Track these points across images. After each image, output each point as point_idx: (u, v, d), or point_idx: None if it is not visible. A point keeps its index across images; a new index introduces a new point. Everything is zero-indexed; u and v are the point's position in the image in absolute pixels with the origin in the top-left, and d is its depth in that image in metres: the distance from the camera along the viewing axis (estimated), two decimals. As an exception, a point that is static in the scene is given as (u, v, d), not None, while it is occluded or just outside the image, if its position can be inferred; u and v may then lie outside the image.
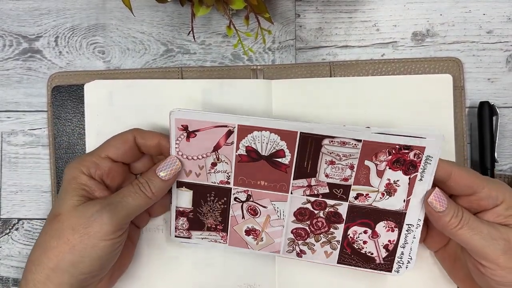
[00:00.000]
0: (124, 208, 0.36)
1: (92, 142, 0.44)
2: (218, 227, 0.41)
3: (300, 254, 0.41)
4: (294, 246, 0.41)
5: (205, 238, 0.42)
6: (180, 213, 0.41)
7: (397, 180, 0.38)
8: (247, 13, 0.39)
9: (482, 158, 0.43)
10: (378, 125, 0.43)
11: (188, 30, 0.46)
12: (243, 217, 0.41)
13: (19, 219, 0.46)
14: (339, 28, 0.46)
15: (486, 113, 0.43)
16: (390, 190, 0.38)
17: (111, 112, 0.44)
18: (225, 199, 0.40)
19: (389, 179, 0.38)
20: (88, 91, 0.44)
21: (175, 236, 0.42)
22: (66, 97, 0.45)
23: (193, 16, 0.40)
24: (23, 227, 0.46)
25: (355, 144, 0.37)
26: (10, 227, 0.46)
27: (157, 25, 0.46)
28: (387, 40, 0.46)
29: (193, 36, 0.44)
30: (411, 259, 0.40)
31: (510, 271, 0.35)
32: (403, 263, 0.40)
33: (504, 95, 0.45)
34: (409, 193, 0.38)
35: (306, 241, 0.41)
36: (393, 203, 0.39)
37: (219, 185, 0.40)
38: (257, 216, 0.41)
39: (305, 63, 0.45)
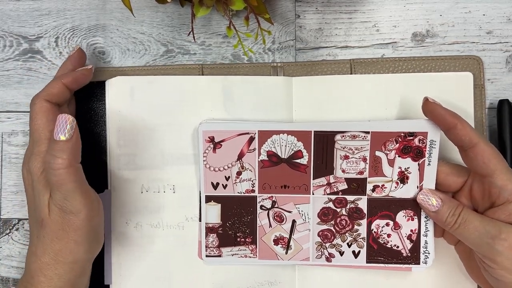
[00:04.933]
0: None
1: (113, 138, 0.44)
2: (247, 239, 0.43)
3: (329, 258, 0.43)
4: (322, 250, 0.43)
5: (235, 254, 0.43)
6: (210, 230, 0.43)
7: (408, 167, 0.41)
8: (247, 14, 0.40)
9: (503, 156, 0.43)
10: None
11: (188, 30, 0.46)
12: (270, 225, 0.43)
13: (19, 220, 0.46)
14: (339, 28, 0.46)
15: (505, 111, 0.43)
16: (403, 178, 0.41)
17: (132, 108, 0.44)
18: (251, 208, 0.43)
19: (400, 167, 0.41)
20: (110, 87, 0.44)
21: (206, 256, 0.43)
22: (87, 94, 0.45)
23: (193, 16, 0.40)
24: (23, 227, 0.46)
25: (364, 136, 0.41)
26: (11, 228, 0.46)
27: (157, 25, 0.46)
28: (387, 40, 0.46)
29: (193, 37, 0.44)
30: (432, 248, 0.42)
31: (509, 272, 0.35)
32: (429, 253, 0.42)
33: (504, 95, 0.45)
34: (421, 179, 0.41)
35: (333, 242, 0.42)
36: (408, 191, 0.41)
37: (245, 194, 0.43)
38: (283, 222, 0.43)
39: (326, 61, 0.45)
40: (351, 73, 0.45)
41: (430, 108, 0.38)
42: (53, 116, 0.39)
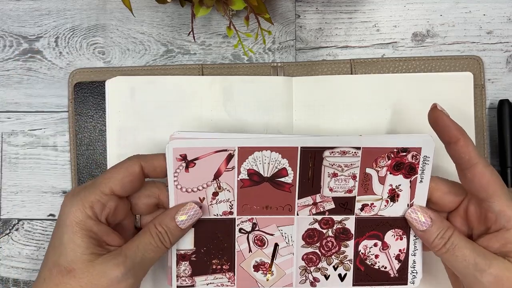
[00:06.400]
0: (148, 265, 0.36)
1: (113, 138, 0.44)
2: (224, 267, 0.39)
3: (313, 283, 0.40)
4: (306, 274, 0.40)
5: (210, 283, 0.39)
6: (181, 257, 0.39)
7: (399, 185, 0.38)
8: (247, 14, 0.39)
9: (503, 157, 0.43)
10: (398, 122, 0.43)
11: (188, 30, 0.46)
12: (250, 250, 0.39)
13: (19, 220, 0.46)
14: (339, 28, 0.46)
15: (506, 111, 0.43)
16: (393, 195, 0.38)
17: (132, 108, 0.44)
18: (229, 232, 0.39)
19: (391, 185, 0.38)
20: (110, 87, 0.44)
21: (177, 287, 0.39)
22: (88, 94, 0.45)
23: (193, 16, 0.40)
24: (23, 227, 0.46)
25: (355, 152, 0.37)
26: (10, 228, 0.46)
27: (157, 25, 0.46)
28: (387, 40, 0.46)
29: (193, 37, 0.44)
30: (420, 267, 0.40)
31: None
32: (417, 273, 0.40)
33: (504, 95, 0.45)
34: (412, 196, 0.38)
35: (318, 266, 0.40)
36: (398, 209, 0.39)
37: (222, 217, 0.38)
38: (264, 247, 0.39)
39: (326, 61, 0.45)
40: (351, 73, 0.45)
41: (435, 115, 0.35)
42: (135, 180, 0.36)
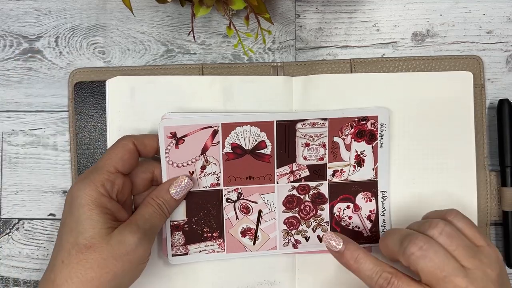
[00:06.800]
0: (155, 232, 0.39)
1: (113, 138, 0.43)
2: (214, 234, 0.43)
3: (295, 245, 0.43)
4: (288, 237, 0.43)
5: (202, 250, 0.43)
6: (175, 228, 0.42)
7: (363, 151, 0.43)
8: (247, 14, 0.40)
9: (502, 156, 0.43)
10: (397, 121, 0.44)
11: (188, 30, 0.46)
12: (236, 217, 0.43)
13: (20, 219, 0.46)
14: (339, 28, 0.46)
15: (505, 110, 0.43)
16: (359, 161, 0.43)
17: (132, 108, 0.44)
18: (217, 202, 0.43)
19: (356, 151, 0.43)
20: (110, 87, 0.44)
21: (172, 255, 0.42)
22: (88, 93, 0.45)
23: (193, 16, 0.40)
24: (23, 227, 0.46)
25: (323, 123, 0.42)
26: (11, 227, 0.46)
27: (157, 25, 0.46)
28: (387, 40, 0.46)
29: (193, 37, 0.44)
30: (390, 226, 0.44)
31: None
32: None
33: (504, 95, 0.45)
34: (375, 161, 0.43)
35: (298, 229, 0.43)
36: (365, 173, 0.43)
37: (211, 188, 0.42)
38: (249, 214, 0.43)
39: (326, 60, 0.45)
40: (351, 73, 0.45)
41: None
42: (133, 158, 0.39)
